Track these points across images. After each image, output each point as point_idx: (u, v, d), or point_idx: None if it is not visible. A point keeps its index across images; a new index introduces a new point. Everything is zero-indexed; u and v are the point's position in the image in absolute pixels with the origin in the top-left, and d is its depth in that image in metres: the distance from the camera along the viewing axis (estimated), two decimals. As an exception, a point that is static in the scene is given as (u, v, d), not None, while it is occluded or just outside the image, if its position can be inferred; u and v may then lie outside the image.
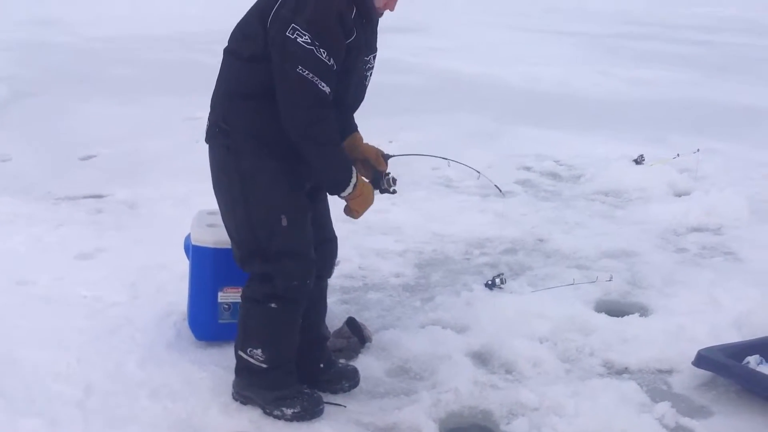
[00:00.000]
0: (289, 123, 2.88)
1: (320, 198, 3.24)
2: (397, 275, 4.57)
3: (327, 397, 3.24)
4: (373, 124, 7.33)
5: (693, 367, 3.46)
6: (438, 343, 3.70)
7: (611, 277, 4.37)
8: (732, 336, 3.76)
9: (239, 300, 3.50)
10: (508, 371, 3.55)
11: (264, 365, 3.11)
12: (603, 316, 4.03)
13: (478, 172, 3.59)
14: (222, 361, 3.46)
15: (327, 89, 2.83)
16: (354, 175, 3.02)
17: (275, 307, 3.05)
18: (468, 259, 4.84)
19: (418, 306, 4.18)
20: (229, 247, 3.45)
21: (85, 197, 5.73)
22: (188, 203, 5.32)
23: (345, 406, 3.22)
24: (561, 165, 6.71)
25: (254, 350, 3.11)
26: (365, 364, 3.53)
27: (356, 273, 4.57)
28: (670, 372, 3.58)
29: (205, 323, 3.63)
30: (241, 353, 3.14)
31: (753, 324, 3.88)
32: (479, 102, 8.90)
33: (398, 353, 3.65)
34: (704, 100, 9.22)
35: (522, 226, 5.33)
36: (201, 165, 6.01)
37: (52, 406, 3.13)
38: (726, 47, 12.98)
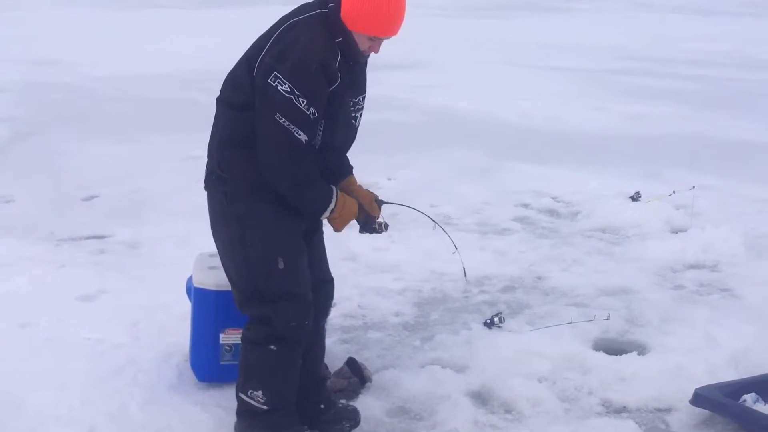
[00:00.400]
0: (263, 165, 2.97)
1: (316, 240, 3.30)
2: (397, 314, 4.61)
3: (328, 438, 3.27)
4: (372, 161, 7.48)
5: (690, 405, 3.50)
6: (437, 383, 3.74)
7: (609, 316, 4.42)
8: (729, 374, 3.80)
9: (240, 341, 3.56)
10: (508, 411, 3.59)
11: (265, 407, 3.14)
12: (601, 354, 4.07)
13: (456, 248, 3.70)
14: (223, 402, 3.50)
15: (303, 137, 2.91)
16: (333, 200, 3.09)
17: (275, 348, 3.09)
18: (467, 297, 4.88)
19: (417, 345, 4.22)
20: (230, 289, 3.52)
21: (87, 238, 5.77)
22: (189, 242, 5.37)
23: (346, 447, 3.25)
24: (558, 201, 6.77)
25: (255, 392, 3.14)
26: (365, 404, 3.57)
27: (356, 312, 4.62)
28: (668, 410, 3.62)
29: (207, 365, 3.67)
30: (242, 395, 3.18)
31: (750, 361, 3.93)
32: (474, 138, 8.98)
33: (398, 393, 3.69)
34: (698, 135, 9.31)
35: (520, 264, 5.38)
36: (200, 204, 6.08)
37: (56, 450, 3.16)
38: (720, 82, 13.10)
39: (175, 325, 4.18)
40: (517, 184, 7.24)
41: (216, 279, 3.60)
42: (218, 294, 3.59)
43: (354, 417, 3.39)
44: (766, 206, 6.59)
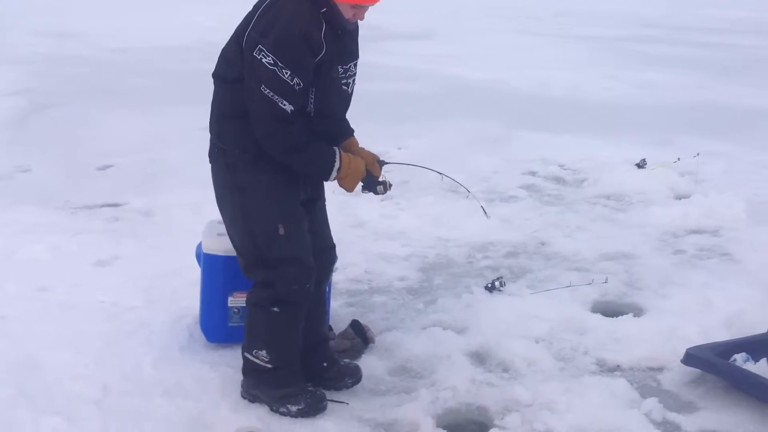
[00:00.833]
0: (258, 135, 3.09)
1: (318, 207, 3.42)
2: (402, 279, 4.74)
3: (331, 394, 3.42)
4: (383, 130, 7.58)
5: (682, 365, 3.61)
6: (438, 344, 3.87)
7: (606, 279, 4.52)
8: (723, 335, 3.90)
9: (248, 304, 3.71)
10: (505, 370, 3.71)
11: (269, 365, 3.29)
12: (598, 316, 4.19)
13: (468, 191, 3.78)
14: (232, 362, 3.64)
15: (288, 107, 3.02)
16: (336, 159, 3.19)
17: (277, 310, 3.23)
18: (470, 262, 5.00)
19: (420, 308, 4.35)
20: (237, 254, 3.66)
21: (102, 206, 5.92)
22: (202, 211, 5.49)
23: (347, 404, 3.39)
24: (565, 169, 6.85)
25: (259, 351, 3.29)
26: (368, 363, 3.71)
27: (362, 277, 4.74)
28: (660, 370, 3.73)
29: (216, 326, 3.82)
30: (247, 354, 3.32)
31: (744, 323, 4.02)
32: (487, 108, 9.04)
33: (400, 353, 3.82)
34: (710, 102, 9.32)
35: (525, 230, 5.49)
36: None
37: (71, 405, 3.31)
38: (734, 49, 13.04)
39: (186, 289, 4.33)
40: (526, 152, 7.32)
41: (224, 245, 3.72)
42: (226, 259, 3.72)
43: (356, 374, 3.54)
44: (772, 172, 6.63)
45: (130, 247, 5.04)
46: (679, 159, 6.26)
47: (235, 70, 3.13)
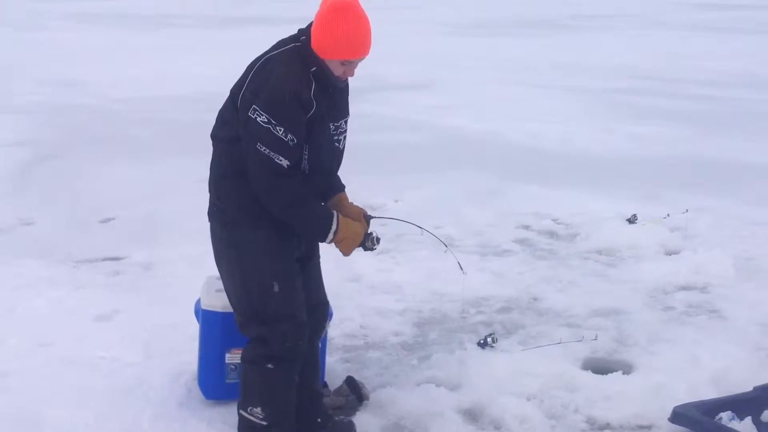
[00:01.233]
0: (257, 192, 3.21)
1: (312, 264, 3.53)
2: (397, 334, 4.83)
3: (325, 452, 3.50)
4: (380, 182, 7.72)
5: (670, 423, 3.69)
6: (431, 401, 3.96)
7: (596, 336, 4.62)
8: (710, 393, 3.98)
9: (244, 361, 3.80)
10: (497, 427, 3.80)
11: (264, 423, 3.37)
12: (588, 373, 4.28)
13: (446, 246, 3.90)
14: (229, 419, 3.72)
15: (284, 162, 3.14)
16: (334, 222, 3.30)
17: (272, 367, 3.33)
18: (464, 317, 5.09)
19: (414, 364, 4.44)
20: (234, 311, 3.77)
21: (103, 260, 6.01)
22: (201, 264, 5.58)
23: (342, 461, 3.47)
24: (558, 223, 6.97)
25: (254, 408, 3.37)
26: (363, 420, 3.79)
27: (358, 332, 4.84)
28: (649, 428, 3.82)
29: (213, 383, 3.90)
30: (242, 412, 3.41)
31: (730, 381, 4.11)
32: (483, 160, 9.19)
33: (394, 410, 3.91)
34: (700, 156, 9.47)
35: (518, 285, 5.59)
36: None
37: (72, 462, 3.40)
38: (727, 102, 13.23)
39: (185, 344, 4.41)
40: (520, 205, 7.44)
41: (222, 301, 3.83)
42: (224, 315, 3.82)
43: (349, 430, 3.62)
44: (760, 229, 6.75)
45: (130, 302, 5.13)
46: (668, 215, 6.39)
47: (232, 130, 3.27)
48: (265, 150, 3.11)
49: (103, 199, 7.51)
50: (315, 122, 3.22)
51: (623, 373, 4.26)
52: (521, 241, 6.57)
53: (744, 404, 3.76)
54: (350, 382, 4.00)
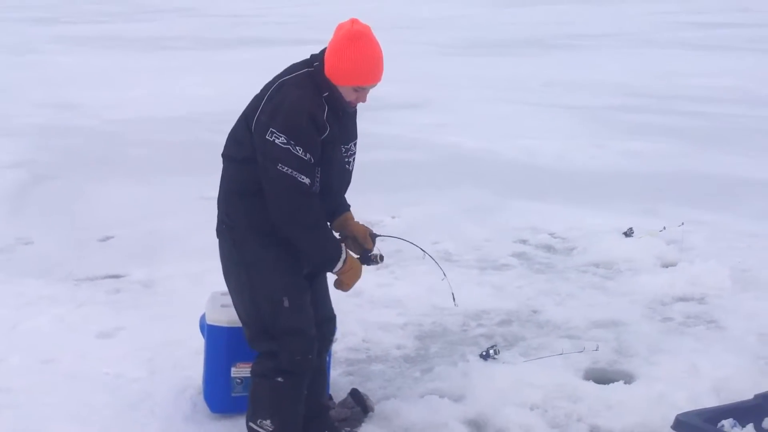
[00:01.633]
0: (276, 214, 3.25)
1: (319, 280, 3.58)
2: (399, 347, 4.87)
3: (332, 463, 3.52)
4: (377, 199, 7.77)
5: (673, 431, 3.72)
6: (435, 412, 3.99)
7: (597, 347, 4.66)
8: (711, 401, 4.02)
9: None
10: (501, 438, 3.83)
11: None
12: (590, 383, 4.32)
13: (444, 275, 3.96)
14: (235, 432, 3.76)
15: (306, 181, 3.20)
16: (343, 251, 3.37)
17: (282, 381, 3.36)
18: (465, 330, 5.13)
19: (417, 376, 4.47)
20: (241, 325, 3.80)
21: (103, 278, 6.04)
22: (202, 281, 5.64)
23: (349, 472, 3.50)
24: (555, 238, 7.02)
25: (263, 421, 3.41)
26: (367, 431, 3.81)
27: (360, 346, 4.87)
28: (651, 436, 3.85)
29: (220, 397, 3.93)
30: (251, 424, 3.44)
31: (731, 389, 4.16)
32: (479, 177, 9.25)
33: (398, 422, 3.93)
34: (694, 171, 9.56)
35: (517, 298, 5.63)
36: (214, 244, 6.33)
37: (80, 477, 3.42)
38: (720, 118, 13.35)
39: (188, 359, 4.44)
40: (517, 221, 7.50)
41: (228, 316, 3.87)
42: (230, 330, 3.86)
43: (356, 442, 3.65)
44: (756, 241, 6.81)
45: (132, 318, 5.15)
46: (665, 228, 6.45)
47: (245, 151, 3.32)
48: (287, 170, 3.17)
49: (102, 219, 7.54)
50: (327, 145, 3.29)
51: (625, 383, 4.30)
52: (519, 255, 6.62)
53: (745, 412, 3.78)
54: (355, 394, 4.03)
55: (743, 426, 3.68)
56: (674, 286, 5.69)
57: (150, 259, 6.38)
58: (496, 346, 4.70)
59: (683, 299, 5.59)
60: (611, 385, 4.28)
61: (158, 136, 11.52)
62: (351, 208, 3.68)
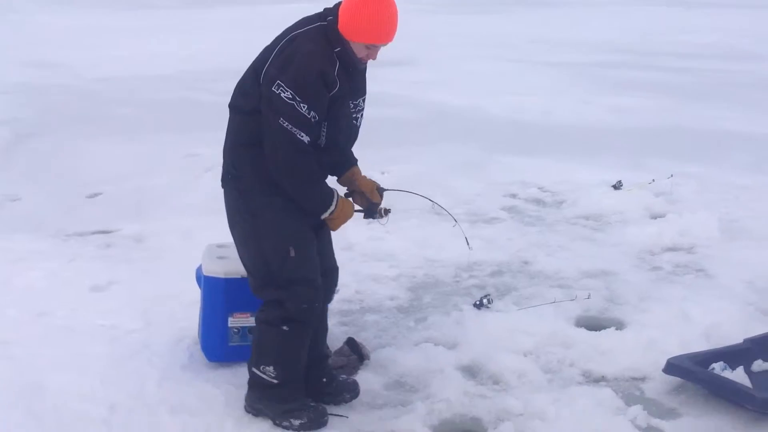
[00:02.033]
0: (272, 164, 3.26)
1: (324, 231, 3.59)
2: (392, 298, 4.90)
3: (331, 408, 3.57)
4: (366, 156, 7.72)
5: (664, 374, 3.80)
6: (430, 359, 4.03)
7: (589, 295, 4.72)
8: (701, 346, 4.09)
9: (248, 324, 3.87)
10: (495, 382, 3.88)
11: (275, 381, 3.44)
12: (582, 330, 4.38)
13: (455, 221, 3.99)
14: (233, 380, 3.79)
15: (305, 138, 3.21)
16: (333, 203, 3.38)
17: (287, 329, 3.39)
18: (457, 281, 5.17)
19: (411, 326, 4.51)
20: (238, 276, 3.83)
21: (93, 233, 6.02)
22: (192, 237, 5.65)
23: (347, 417, 3.55)
24: (544, 191, 7.06)
25: (267, 367, 3.44)
26: (364, 379, 3.86)
27: (354, 297, 4.90)
28: (643, 379, 3.92)
29: (217, 346, 3.95)
30: (254, 370, 3.47)
31: (720, 335, 4.23)
32: (467, 133, 9.26)
33: (394, 369, 3.98)
34: (681, 126, 9.61)
35: (508, 251, 5.67)
36: (203, 200, 6.36)
37: (80, 424, 3.43)
38: (705, 73, 13.41)
39: (183, 312, 4.46)
40: (506, 176, 7.53)
41: (224, 268, 3.89)
42: (227, 281, 3.88)
43: (354, 389, 3.69)
44: (743, 192, 6.89)
45: (125, 273, 5.15)
46: (654, 180, 6.49)
47: (252, 102, 3.31)
48: (287, 125, 3.17)
49: (89, 175, 7.50)
50: (336, 100, 3.28)
51: (616, 330, 4.36)
52: (509, 209, 6.65)
53: (736, 355, 3.87)
54: (351, 342, 4.07)
55: (733, 369, 3.76)
56: (663, 237, 5.75)
57: (139, 215, 6.37)
58: (489, 295, 4.74)
59: (672, 249, 5.66)
60: (603, 331, 4.33)
61: (142, 94, 11.42)
62: (359, 162, 3.67)
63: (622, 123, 9.88)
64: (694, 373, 3.74)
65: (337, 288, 3.88)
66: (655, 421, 3.54)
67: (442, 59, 14.38)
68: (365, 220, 3.70)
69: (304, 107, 3.18)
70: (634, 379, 3.93)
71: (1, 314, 4.48)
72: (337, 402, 3.63)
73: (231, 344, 3.93)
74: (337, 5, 3.31)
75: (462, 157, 8.15)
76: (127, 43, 15.69)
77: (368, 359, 4.05)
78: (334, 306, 4.70)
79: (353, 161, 3.64)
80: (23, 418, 3.45)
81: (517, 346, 4.17)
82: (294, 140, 3.19)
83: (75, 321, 4.43)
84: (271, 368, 3.43)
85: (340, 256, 5.41)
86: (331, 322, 4.47)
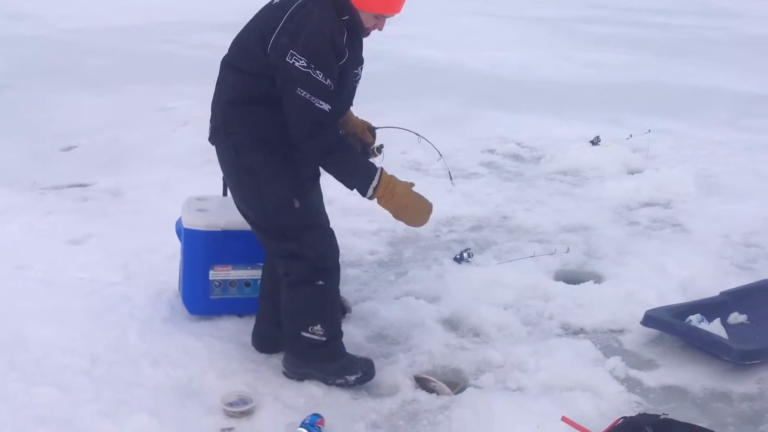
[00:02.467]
0: (295, 136, 3.18)
1: (317, 186, 3.56)
2: (372, 253, 4.91)
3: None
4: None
5: (641, 326, 3.86)
6: (412, 312, 4.05)
7: (568, 249, 4.76)
8: (678, 299, 4.15)
9: (229, 277, 3.86)
10: (476, 335, 3.92)
11: (324, 338, 3.40)
12: (561, 284, 4.42)
13: (440, 155, 3.98)
14: (215, 332, 3.79)
15: (326, 106, 3.10)
16: (375, 177, 3.22)
17: (322, 283, 3.35)
18: (437, 236, 5.19)
19: (392, 280, 4.53)
20: (218, 229, 3.82)
21: (69, 186, 5.96)
22: (169, 190, 5.61)
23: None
24: (523, 147, 7.08)
25: (314, 327, 3.38)
26: (347, 332, 3.81)
27: (334, 251, 4.89)
28: (621, 331, 3.98)
29: (198, 299, 3.94)
30: (303, 333, 3.38)
31: (697, 288, 4.29)
32: (445, 88, 9.24)
33: (376, 322, 4.00)
34: (657, 81, 9.65)
35: (487, 206, 5.69)
36: (179, 153, 6.29)
37: (63, 376, 3.40)
38: (680, 29, 13.44)
39: (162, 265, 4.43)
40: (485, 131, 7.53)
41: (204, 220, 3.87)
42: (207, 234, 3.85)
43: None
44: (719, 148, 6.96)
45: (102, 226, 5.10)
46: (631, 136, 6.53)
47: (256, 66, 3.20)
48: (305, 95, 3.08)
49: (63, 128, 7.40)
50: (343, 70, 3.21)
51: (595, 283, 4.41)
52: (488, 165, 6.67)
53: (712, 308, 3.94)
54: (332, 295, 4.07)
55: (710, 321, 3.83)
56: (640, 192, 5.81)
57: (115, 169, 6.30)
58: (469, 249, 4.76)
59: (649, 204, 5.71)
60: (581, 285, 4.38)
61: (115, 45, 11.24)
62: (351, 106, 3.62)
63: (599, 78, 9.91)
64: (671, 325, 3.80)
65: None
66: (633, 372, 3.60)
67: (420, 13, 14.25)
68: None
69: (319, 74, 3.09)
70: (613, 331, 3.99)
71: (-22, 267, 4.44)
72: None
73: (212, 297, 3.92)
74: None
75: (441, 111, 8.14)
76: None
77: (350, 312, 4.06)
78: (314, 260, 4.70)
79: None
80: (4, 370, 3.42)
81: (497, 300, 4.20)
82: (314, 109, 3.10)
83: (54, 274, 4.39)
84: (318, 326, 3.38)
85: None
86: (312, 275, 4.48)
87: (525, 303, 4.21)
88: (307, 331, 3.40)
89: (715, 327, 3.76)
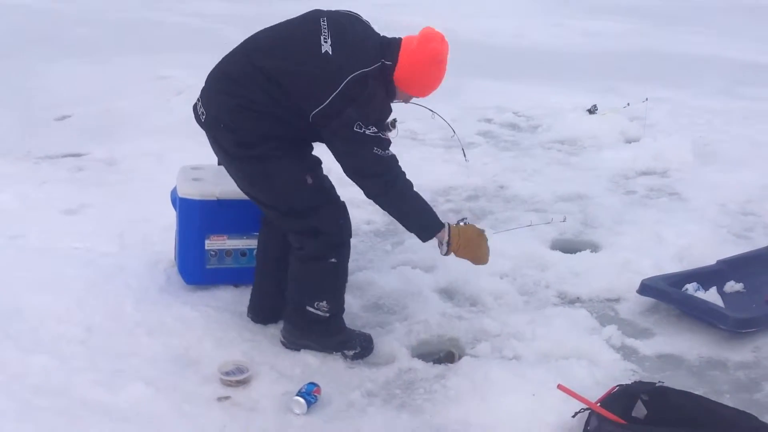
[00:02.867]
0: (378, 188, 3.41)
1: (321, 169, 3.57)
2: (368, 222, 4.89)
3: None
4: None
5: (637, 295, 3.86)
6: (408, 282, 4.05)
7: (565, 218, 4.73)
8: (674, 267, 4.15)
9: (224, 247, 3.85)
10: (473, 304, 3.92)
11: (327, 314, 3.43)
12: (557, 253, 4.42)
13: (454, 132, 4.01)
14: (211, 302, 3.78)
15: (392, 154, 3.35)
16: (446, 227, 3.51)
17: (335, 261, 3.40)
18: (434, 206, 5.07)
19: (389, 249, 4.52)
20: (213, 198, 3.80)
21: (64, 156, 5.92)
22: (164, 160, 5.57)
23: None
24: (520, 116, 7.04)
25: (320, 303, 3.42)
26: (342, 301, 3.86)
27: (329, 221, 4.87)
28: (617, 300, 3.98)
29: (194, 269, 3.92)
30: (308, 308, 3.43)
31: (693, 256, 4.29)
32: (439, 56, 9.14)
33: (372, 291, 4.00)
34: (653, 50, 9.60)
35: (484, 175, 5.68)
36: (173, 123, 6.23)
37: (58, 345, 3.40)
38: (678, -3, 13.37)
39: (157, 235, 4.41)
40: (481, 100, 7.49)
41: (200, 190, 3.84)
42: (203, 203, 3.83)
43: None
44: (715, 116, 6.93)
45: (97, 196, 5.08)
46: (628, 104, 6.50)
47: (277, 110, 3.25)
48: (378, 151, 3.28)
49: (56, 98, 7.34)
50: None
51: (591, 252, 4.41)
52: (484, 134, 6.64)
53: (708, 276, 3.94)
54: (328, 265, 4.06)
55: (706, 290, 3.83)
56: (637, 161, 5.79)
57: (109, 138, 6.26)
58: (466, 219, 4.67)
59: (646, 173, 5.70)
60: (578, 254, 4.38)
61: (102, 15, 11.12)
62: None
63: (594, 47, 9.85)
64: (668, 293, 3.81)
65: None
66: (629, 341, 3.61)
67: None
68: None
69: (383, 134, 3.31)
70: (609, 300, 3.99)
71: (-28, 236, 4.41)
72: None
73: (208, 267, 3.90)
74: (397, 45, 3.34)
75: (436, 80, 8.06)
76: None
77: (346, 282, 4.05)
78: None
79: None
80: (0, 339, 3.42)
81: (493, 269, 4.17)
82: (388, 160, 3.33)
83: (49, 244, 4.37)
84: (324, 303, 3.43)
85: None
86: (308, 245, 4.47)
87: (521, 272, 4.20)
88: (313, 306, 3.44)
89: (712, 295, 3.77)
